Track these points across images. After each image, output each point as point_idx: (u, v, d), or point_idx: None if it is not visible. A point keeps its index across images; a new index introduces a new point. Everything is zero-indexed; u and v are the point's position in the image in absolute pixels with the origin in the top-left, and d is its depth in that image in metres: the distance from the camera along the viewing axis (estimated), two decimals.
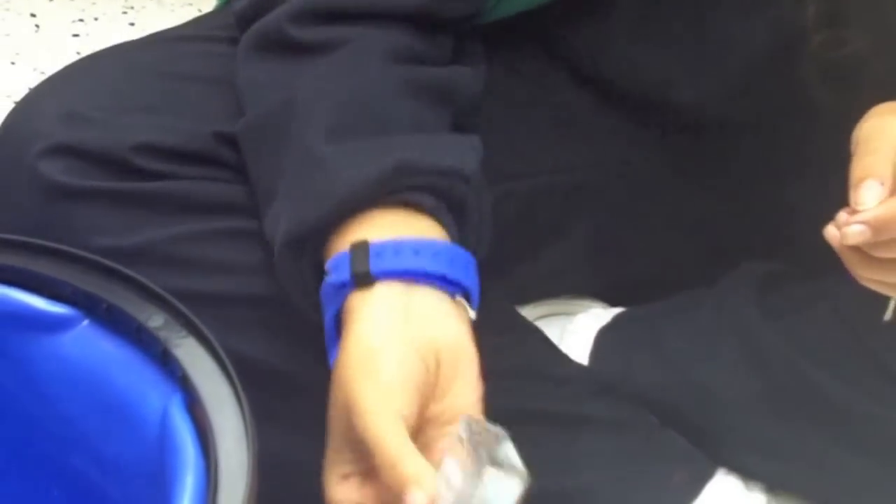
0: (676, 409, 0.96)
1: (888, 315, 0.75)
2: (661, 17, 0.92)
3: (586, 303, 1.07)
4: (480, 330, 0.83)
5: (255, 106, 0.85)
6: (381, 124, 0.81)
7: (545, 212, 1.00)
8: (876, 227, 0.68)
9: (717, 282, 0.99)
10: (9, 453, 0.76)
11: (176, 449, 0.64)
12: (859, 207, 0.69)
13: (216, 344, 0.67)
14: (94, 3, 1.91)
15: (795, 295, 0.95)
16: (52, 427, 0.73)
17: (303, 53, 0.85)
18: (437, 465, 0.70)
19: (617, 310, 1.05)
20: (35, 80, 0.93)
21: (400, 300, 0.75)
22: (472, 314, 0.78)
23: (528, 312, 1.04)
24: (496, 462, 0.69)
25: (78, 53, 1.70)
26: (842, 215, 0.70)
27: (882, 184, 0.69)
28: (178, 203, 0.84)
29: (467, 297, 0.78)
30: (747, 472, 0.96)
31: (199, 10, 1.63)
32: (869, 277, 0.72)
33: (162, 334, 0.68)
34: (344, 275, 0.75)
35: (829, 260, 0.73)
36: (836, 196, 0.72)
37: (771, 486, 0.96)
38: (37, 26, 1.86)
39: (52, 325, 0.71)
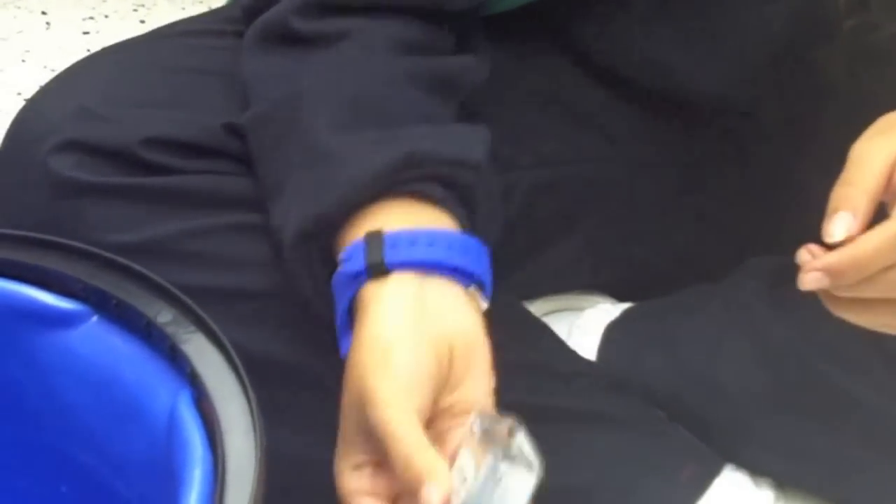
0: (685, 404, 0.97)
1: None
2: (677, 6, 0.92)
3: (594, 298, 1.07)
4: (488, 325, 0.83)
5: (261, 98, 0.85)
6: (388, 116, 0.81)
7: (553, 205, 1.00)
8: (834, 273, 0.68)
9: (727, 276, 0.99)
10: (18, 448, 0.76)
11: (184, 444, 0.64)
12: (827, 239, 0.69)
13: (224, 339, 0.67)
14: (104, 1, 1.92)
15: None
16: (61, 422, 0.73)
17: (307, 46, 0.85)
18: (448, 457, 0.70)
19: (625, 305, 1.05)
20: (46, 77, 0.93)
21: (414, 291, 0.75)
22: (485, 305, 0.78)
23: (536, 308, 1.04)
24: (510, 455, 0.69)
25: (88, 51, 1.70)
26: (803, 254, 0.71)
27: (854, 216, 0.69)
28: (188, 198, 0.84)
29: (480, 288, 0.78)
30: (756, 468, 0.96)
31: (210, 7, 1.64)
32: (841, 315, 0.73)
33: (170, 330, 0.68)
34: (358, 264, 0.75)
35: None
36: None
37: (779, 482, 0.96)
38: (48, 24, 1.87)
39: (62, 320, 0.71)
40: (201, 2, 1.93)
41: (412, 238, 0.75)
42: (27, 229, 0.75)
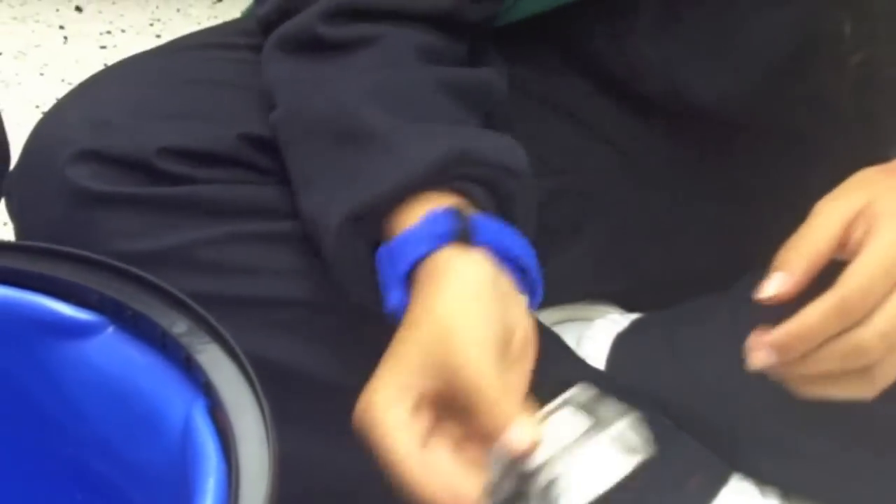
0: (693, 413, 0.97)
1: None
2: (681, 19, 0.92)
3: (603, 308, 1.07)
4: None
5: (291, 97, 0.85)
6: (423, 118, 0.81)
7: (560, 215, 1.00)
8: (780, 347, 0.69)
9: (734, 287, 0.99)
10: (34, 457, 0.76)
11: (198, 453, 0.65)
12: (756, 296, 0.71)
13: (238, 350, 0.68)
14: (121, 16, 1.92)
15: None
16: (77, 431, 0.74)
17: (336, 50, 0.85)
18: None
19: (634, 315, 1.05)
20: (63, 91, 0.94)
21: (494, 271, 0.75)
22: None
23: (546, 317, 1.05)
24: (610, 433, 0.69)
25: (105, 65, 1.70)
26: (752, 339, 0.72)
27: (789, 278, 0.71)
28: (203, 207, 0.85)
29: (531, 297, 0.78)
30: (762, 477, 0.96)
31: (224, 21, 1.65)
32: (810, 394, 0.74)
33: (185, 340, 0.69)
34: (443, 227, 0.75)
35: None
36: None
37: (786, 491, 0.96)
38: (65, 38, 1.88)
39: (78, 331, 0.72)
40: (216, 17, 1.94)
41: (486, 223, 0.76)
42: (45, 239, 0.76)
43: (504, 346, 0.72)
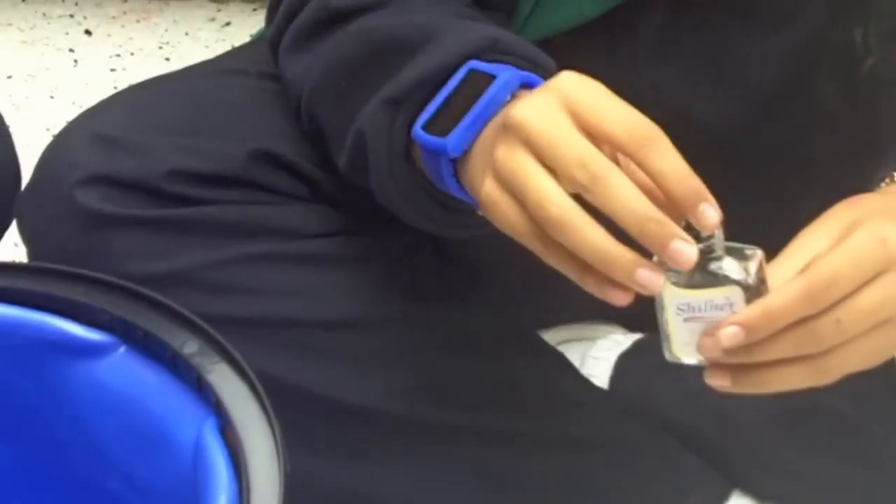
0: (695, 431, 0.97)
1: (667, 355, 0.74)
2: (682, 38, 0.92)
3: (606, 328, 1.08)
4: (502, 353, 0.83)
5: (318, 66, 0.85)
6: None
7: None
8: (748, 326, 0.68)
9: None
10: (46, 475, 0.77)
11: (209, 471, 0.66)
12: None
13: (248, 369, 0.68)
14: (130, 39, 1.94)
15: None
16: (89, 450, 0.74)
17: (354, 16, 0.86)
18: None
19: (636, 335, 1.06)
20: (73, 114, 0.94)
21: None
22: None
23: (550, 337, 1.05)
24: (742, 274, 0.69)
25: (115, 87, 1.72)
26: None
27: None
28: (213, 228, 0.85)
29: None
30: (762, 494, 0.96)
31: (233, 45, 1.66)
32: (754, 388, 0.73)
33: (196, 360, 0.69)
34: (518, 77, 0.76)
35: None
36: None
37: None
38: (75, 61, 1.89)
39: (90, 351, 0.73)
40: (224, 40, 1.95)
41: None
42: (57, 260, 0.77)
43: None
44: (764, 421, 0.95)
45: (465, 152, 0.76)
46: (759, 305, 0.68)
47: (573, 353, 1.03)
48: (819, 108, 0.91)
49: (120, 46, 1.92)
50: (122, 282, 0.74)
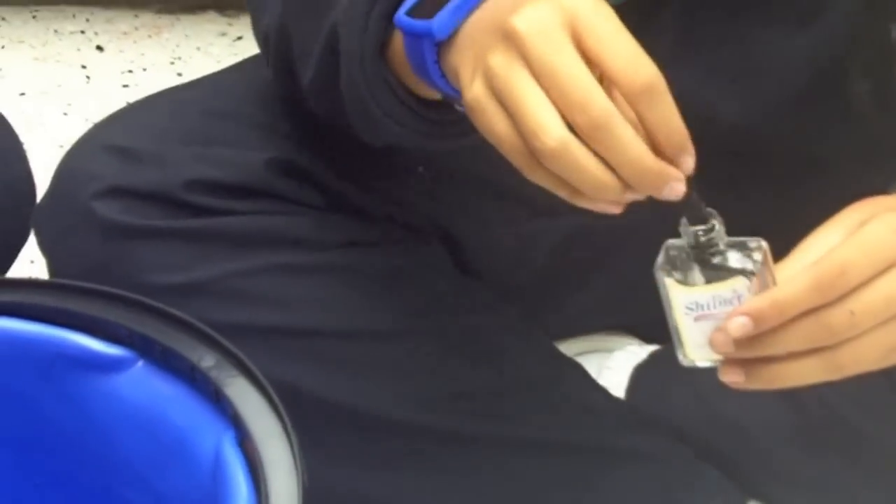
0: (710, 442, 0.97)
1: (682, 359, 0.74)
2: (702, 40, 0.91)
3: (623, 339, 1.08)
4: (522, 363, 0.83)
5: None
6: None
7: (587, 249, 1.00)
8: (757, 316, 0.67)
9: None
10: (67, 487, 0.78)
11: (228, 484, 0.66)
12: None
13: (265, 382, 0.69)
14: (142, 55, 1.94)
15: None
16: (109, 463, 0.75)
17: None
18: None
19: (652, 347, 1.06)
20: (86, 130, 0.95)
21: None
22: None
23: (566, 348, 1.06)
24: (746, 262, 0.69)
25: (127, 103, 1.72)
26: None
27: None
28: (234, 238, 0.86)
29: None
30: (776, 503, 0.96)
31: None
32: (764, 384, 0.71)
33: (214, 374, 0.70)
34: None
35: None
36: None
37: None
38: (87, 77, 1.89)
39: (109, 366, 0.73)
40: (236, 54, 1.95)
41: None
42: (77, 272, 0.77)
43: None
44: (780, 433, 0.95)
45: (451, 38, 0.71)
46: (768, 295, 0.67)
47: (590, 365, 1.04)
48: (847, 108, 0.89)
49: (132, 62, 1.92)
50: (139, 297, 0.74)
